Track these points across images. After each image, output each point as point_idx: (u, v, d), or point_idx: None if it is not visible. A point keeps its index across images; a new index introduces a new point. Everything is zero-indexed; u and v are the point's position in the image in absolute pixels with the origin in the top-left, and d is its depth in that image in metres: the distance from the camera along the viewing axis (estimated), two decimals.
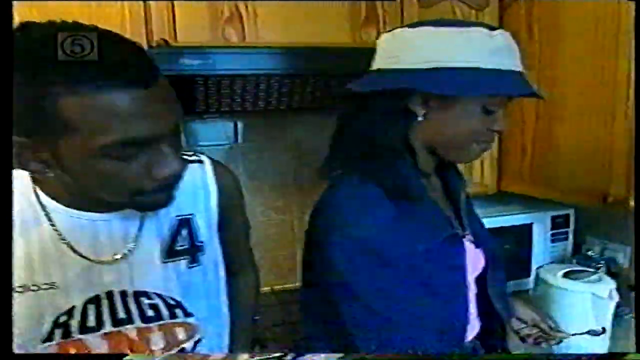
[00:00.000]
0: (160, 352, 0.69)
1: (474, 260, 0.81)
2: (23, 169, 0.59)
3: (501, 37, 0.71)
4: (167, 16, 1.12)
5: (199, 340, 0.74)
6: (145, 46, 1.05)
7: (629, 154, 1.03)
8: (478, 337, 0.85)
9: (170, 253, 0.71)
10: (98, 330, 0.66)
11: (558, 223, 1.51)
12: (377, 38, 1.24)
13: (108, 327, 0.67)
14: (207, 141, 1.47)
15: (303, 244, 1.46)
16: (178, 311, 0.71)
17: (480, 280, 0.84)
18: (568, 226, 1.52)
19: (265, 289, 1.51)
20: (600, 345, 1.07)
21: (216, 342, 0.79)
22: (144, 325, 0.69)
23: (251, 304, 0.94)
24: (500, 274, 0.88)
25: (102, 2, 1.08)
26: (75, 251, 0.64)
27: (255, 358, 0.59)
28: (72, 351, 0.64)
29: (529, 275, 1.48)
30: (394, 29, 0.76)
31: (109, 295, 0.67)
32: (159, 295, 0.70)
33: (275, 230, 1.59)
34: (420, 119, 0.74)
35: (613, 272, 1.34)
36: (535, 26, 1.27)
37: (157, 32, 1.12)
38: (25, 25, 0.52)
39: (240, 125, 1.52)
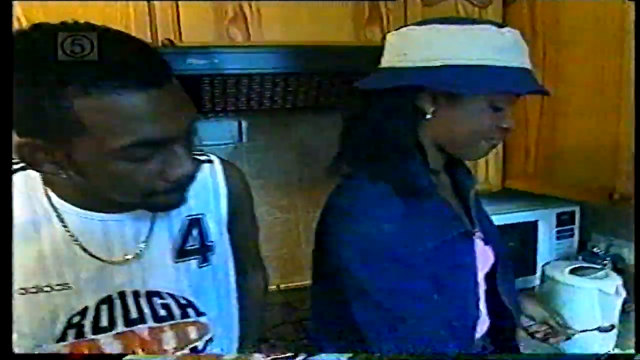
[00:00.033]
0: (172, 351, 0.69)
1: (484, 257, 0.81)
2: (36, 170, 0.59)
3: (509, 34, 0.71)
4: (171, 16, 1.12)
5: (210, 339, 0.74)
6: None
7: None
8: (488, 334, 0.85)
9: (181, 253, 0.71)
10: (111, 331, 0.66)
11: (563, 220, 1.51)
12: (381, 36, 1.26)
13: (120, 327, 0.67)
14: (212, 140, 1.47)
15: (308, 242, 1.46)
16: (190, 310, 0.71)
17: (489, 277, 0.84)
18: (573, 223, 1.52)
19: (271, 287, 1.51)
20: (608, 342, 1.07)
21: (226, 341, 0.79)
22: (156, 324, 0.69)
23: (260, 303, 0.95)
24: (509, 271, 0.88)
25: (107, 2, 1.08)
26: (87, 252, 0.64)
27: (268, 358, 0.59)
28: (85, 351, 0.64)
29: (534, 273, 1.48)
30: (401, 27, 0.76)
31: (121, 295, 0.67)
32: (171, 295, 0.70)
33: (280, 228, 1.59)
34: (428, 116, 0.74)
35: (619, 269, 1.34)
36: (538, 24, 1.27)
37: (162, 32, 1.12)
38: (39, 26, 0.52)
39: (244, 124, 1.52)
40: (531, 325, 0.93)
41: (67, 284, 0.63)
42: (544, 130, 1.30)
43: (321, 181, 1.58)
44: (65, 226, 0.64)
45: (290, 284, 1.60)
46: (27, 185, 0.64)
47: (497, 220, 1.37)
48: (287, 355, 0.61)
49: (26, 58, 0.50)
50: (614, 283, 1.11)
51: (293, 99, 1.33)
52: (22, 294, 0.62)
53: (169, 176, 0.57)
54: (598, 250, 1.42)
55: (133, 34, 0.57)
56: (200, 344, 0.72)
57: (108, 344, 0.66)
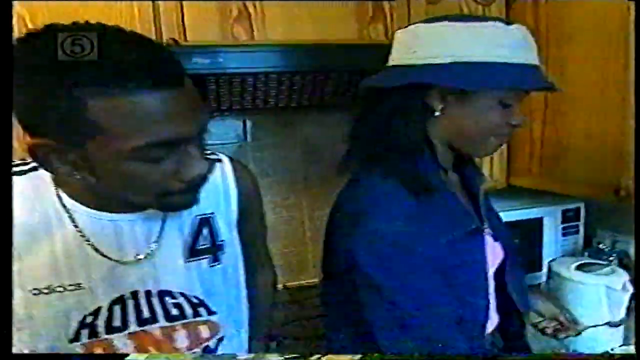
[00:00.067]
0: (184, 350, 0.69)
1: (493, 254, 0.82)
2: (50, 171, 0.59)
3: (518, 31, 0.72)
4: (176, 16, 1.12)
5: (221, 338, 0.74)
6: None
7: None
8: (497, 329, 0.86)
9: (192, 252, 0.71)
10: (124, 330, 0.66)
11: (569, 217, 1.51)
12: (385, 34, 1.26)
13: (133, 327, 0.67)
14: (217, 139, 1.47)
15: (314, 240, 1.46)
16: (201, 310, 0.71)
17: (498, 273, 0.84)
18: (579, 220, 1.52)
19: (278, 286, 1.52)
20: (617, 337, 1.08)
21: (236, 340, 0.79)
22: (168, 324, 0.69)
23: (269, 301, 0.95)
24: (518, 267, 0.88)
25: (111, 2, 1.08)
26: (99, 252, 0.65)
27: (281, 358, 0.60)
28: (99, 351, 0.64)
29: (540, 269, 1.48)
30: (410, 24, 0.77)
31: (134, 295, 0.67)
32: (183, 295, 0.70)
33: (285, 227, 1.59)
34: (437, 113, 0.75)
35: (625, 265, 1.34)
36: (542, 23, 1.27)
37: (167, 32, 1.12)
38: (51, 27, 0.52)
39: (249, 123, 1.52)
40: (541, 321, 0.93)
41: (79, 284, 0.63)
42: (549, 127, 1.30)
43: (327, 179, 1.59)
44: (76, 226, 0.64)
45: (297, 283, 1.60)
46: (38, 186, 0.64)
47: (503, 217, 1.38)
48: (302, 354, 0.61)
49: (40, 59, 0.50)
50: (620, 279, 1.12)
51: (298, 97, 1.33)
52: (36, 294, 0.62)
53: (183, 176, 0.57)
54: (604, 247, 1.42)
55: None
56: (212, 343, 0.73)
57: (121, 343, 0.66)
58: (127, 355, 0.65)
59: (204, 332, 0.72)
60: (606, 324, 1.01)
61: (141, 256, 0.67)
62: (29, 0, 1.02)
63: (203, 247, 0.72)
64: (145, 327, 0.68)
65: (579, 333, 0.93)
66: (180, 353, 0.69)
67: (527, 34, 0.73)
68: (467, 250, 0.77)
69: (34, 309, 0.62)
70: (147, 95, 0.51)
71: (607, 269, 1.16)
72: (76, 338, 0.64)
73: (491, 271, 0.81)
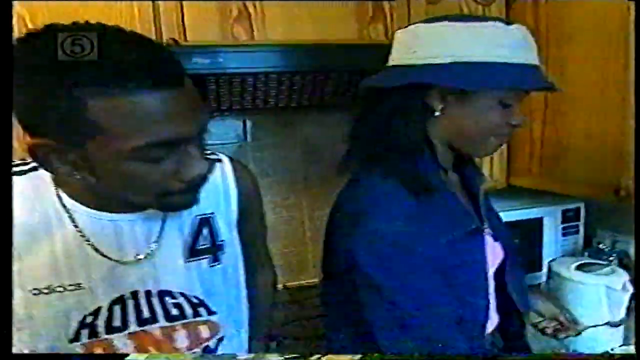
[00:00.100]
0: (184, 350, 0.69)
1: (494, 254, 0.82)
2: (50, 171, 0.59)
3: (518, 31, 0.72)
4: (176, 16, 1.12)
5: (221, 338, 0.74)
6: None
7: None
8: (497, 329, 0.86)
9: (192, 252, 0.71)
10: (124, 330, 0.66)
11: (568, 217, 1.51)
12: (385, 34, 1.26)
13: (133, 327, 0.67)
14: (216, 139, 1.47)
15: (314, 240, 1.46)
16: (201, 310, 0.71)
17: (498, 273, 0.84)
18: (579, 220, 1.52)
19: (278, 286, 1.52)
20: (616, 337, 1.08)
21: (236, 340, 0.79)
22: (168, 324, 0.69)
23: (269, 301, 0.95)
24: (518, 267, 0.88)
25: (111, 2, 1.08)
26: (99, 252, 0.65)
27: (282, 358, 0.60)
28: (99, 351, 0.64)
29: (540, 269, 1.48)
30: (410, 24, 0.77)
31: (134, 295, 0.67)
32: (183, 294, 0.70)
33: (285, 227, 1.59)
34: (437, 113, 0.75)
35: (625, 265, 1.34)
36: (542, 23, 1.27)
37: (167, 32, 1.12)
38: (51, 27, 0.52)
39: (249, 123, 1.52)
40: (541, 321, 0.93)
41: (79, 284, 0.63)
42: (549, 127, 1.30)
43: (327, 179, 1.59)
44: (76, 226, 0.64)
45: (296, 283, 1.60)
46: (38, 186, 0.64)
47: (503, 217, 1.38)
48: (302, 354, 0.61)
49: (40, 59, 0.50)
50: (620, 279, 1.12)
51: (298, 97, 1.33)
52: (36, 294, 0.62)
53: (184, 176, 0.57)
54: (604, 247, 1.42)
55: None
56: (212, 343, 0.73)
57: (121, 343, 0.66)
58: (127, 355, 0.65)
59: (204, 332, 0.72)
60: (606, 324, 1.01)
61: (141, 256, 0.67)
62: (29, 0, 1.02)
63: (203, 247, 0.72)
64: (145, 327, 0.68)
65: (579, 333, 0.93)
66: (181, 353, 0.69)
67: (527, 34, 0.73)
68: (467, 250, 0.77)
69: (34, 309, 0.62)
70: (147, 95, 0.51)
71: (607, 269, 1.16)
72: (76, 338, 0.64)
73: (491, 271, 0.81)
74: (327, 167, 1.55)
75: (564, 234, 1.51)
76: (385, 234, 0.70)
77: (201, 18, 1.14)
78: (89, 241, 0.64)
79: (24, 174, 0.65)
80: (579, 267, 1.16)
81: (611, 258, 1.33)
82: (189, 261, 0.71)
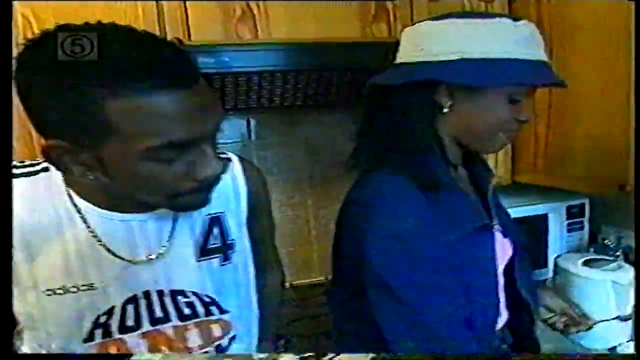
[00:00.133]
0: (197, 349, 0.70)
1: (503, 250, 0.82)
2: (64, 172, 0.59)
3: (525, 27, 0.72)
4: (180, 15, 1.13)
5: (233, 337, 0.74)
6: None
7: None
8: (506, 325, 0.86)
9: (203, 252, 0.71)
10: (137, 330, 0.66)
11: (573, 213, 1.51)
12: (388, 32, 1.26)
13: (146, 327, 0.67)
14: (221, 139, 1.46)
15: (319, 239, 1.46)
16: (213, 308, 0.72)
17: (507, 269, 0.84)
18: (583, 216, 1.52)
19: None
20: (625, 332, 1.08)
21: (246, 338, 0.79)
22: (181, 323, 0.69)
23: (277, 300, 0.95)
24: (527, 263, 0.89)
25: (115, 2, 1.08)
26: (111, 252, 0.65)
27: (297, 357, 0.60)
28: (113, 351, 0.64)
29: (545, 266, 1.48)
30: (412, 23, 0.77)
31: (146, 294, 0.67)
32: (195, 294, 0.70)
33: (291, 226, 1.59)
34: (446, 110, 0.75)
35: (631, 260, 1.34)
36: (545, 20, 1.27)
37: (171, 32, 1.12)
38: (64, 28, 0.52)
39: (253, 122, 1.52)
40: (551, 316, 0.93)
41: (92, 284, 0.64)
42: (553, 123, 1.30)
43: (332, 178, 1.59)
44: (88, 227, 0.64)
45: (302, 281, 1.60)
46: (49, 187, 0.64)
47: None
48: (315, 354, 0.61)
49: (54, 60, 0.49)
50: (627, 274, 1.12)
51: (303, 96, 1.33)
52: (49, 295, 0.62)
53: (198, 176, 0.57)
54: (609, 242, 1.42)
55: None
56: (224, 342, 0.73)
57: (135, 343, 0.66)
58: (130, 355, 0.66)
59: (216, 330, 0.72)
60: (616, 318, 1.01)
61: (153, 256, 0.67)
62: (31, 0, 1.02)
63: (214, 246, 0.72)
64: (158, 327, 0.68)
65: (590, 328, 0.93)
66: (194, 353, 0.69)
67: (535, 30, 0.73)
68: (476, 246, 0.77)
69: (48, 309, 0.62)
70: (162, 95, 0.51)
71: (614, 264, 1.16)
72: (90, 338, 0.64)
73: (501, 267, 0.81)
74: (332, 166, 1.55)
75: (569, 230, 1.51)
76: (394, 231, 0.70)
77: (205, 18, 1.14)
78: (100, 241, 0.64)
79: (35, 174, 0.65)
80: (585, 263, 1.16)
81: (617, 254, 1.33)
82: (200, 260, 0.71)
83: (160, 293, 0.68)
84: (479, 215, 0.79)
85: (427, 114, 0.75)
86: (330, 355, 0.61)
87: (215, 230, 0.73)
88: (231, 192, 0.75)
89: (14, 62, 0.51)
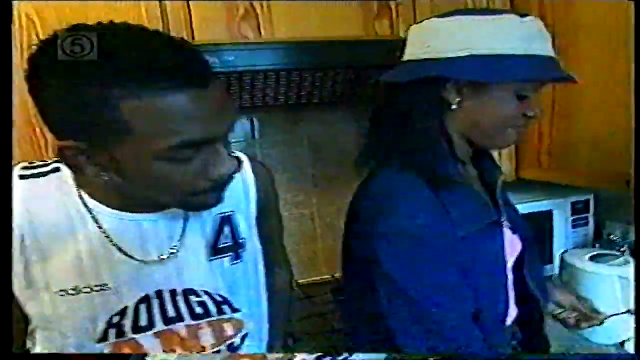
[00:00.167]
0: (210, 348, 0.70)
1: (512, 246, 0.82)
2: (79, 173, 0.59)
3: (532, 23, 0.72)
4: (183, 15, 1.12)
5: (245, 335, 0.74)
6: None
7: None
8: (516, 321, 0.86)
9: (214, 251, 0.71)
10: (150, 330, 0.66)
11: (578, 209, 1.51)
12: (391, 30, 1.26)
13: (160, 326, 0.67)
14: None
15: (324, 238, 1.45)
16: (225, 307, 0.72)
17: (517, 265, 0.84)
18: (588, 212, 1.52)
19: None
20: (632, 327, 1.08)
21: (257, 337, 0.79)
22: (193, 322, 0.69)
23: (287, 298, 0.95)
24: (536, 260, 0.89)
25: (119, 2, 1.08)
26: (123, 252, 0.65)
27: (312, 357, 0.60)
28: (127, 351, 0.64)
29: (551, 262, 1.48)
30: (420, 20, 0.77)
31: (159, 294, 0.67)
32: (207, 293, 0.70)
33: (295, 224, 1.60)
34: (454, 107, 0.75)
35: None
36: (548, 17, 1.26)
37: (174, 32, 1.12)
38: (77, 27, 0.52)
39: (256, 121, 1.52)
40: (562, 312, 0.93)
41: (105, 284, 0.64)
42: (557, 119, 1.30)
43: (336, 176, 1.59)
44: (100, 227, 0.64)
45: (308, 280, 1.60)
46: (60, 188, 0.64)
47: None
48: (329, 353, 0.61)
49: (69, 61, 0.49)
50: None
51: (308, 94, 1.33)
52: (63, 295, 0.62)
53: (212, 175, 0.58)
54: (615, 238, 1.43)
55: None
56: (237, 341, 0.73)
57: (148, 343, 0.66)
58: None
59: (229, 329, 0.72)
60: (627, 312, 1.01)
61: (165, 256, 0.67)
62: (32, 0, 1.02)
63: (225, 245, 0.72)
64: (171, 326, 0.68)
65: (602, 322, 0.93)
66: (207, 353, 0.69)
67: (542, 25, 0.73)
68: (486, 243, 0.77)
69: (62, 310, 0.62)
70: (179, 95, 0.51)
71: (621, 259, 1.16)
72: (104, 338, 0.64)
73: (510, 264, 0.81)
74: (336, 163, 1.55)
75: (574, 226, 1.51)
76: (404, 229, 0.70)
77: (208, 17, 1.14)
78: (113, 242, 0.64)
79: (45, 175, 0.65)
80: (592, 259, 1.16)
81: (623, 249, 1.33)
82: (211, 260, 0.71)
83: (173, 293, 0.68)
84: (488, 211, 0.79)
85: (435, 111, 0.75)
86: (345, 355, 0.61)
87: (226, 230, 0.73)
88: (241, 192, 0.75)
89: (27, 63, 0.52)
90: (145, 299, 0.66)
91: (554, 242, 1.50)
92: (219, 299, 0.71)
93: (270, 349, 0.84)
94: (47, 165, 0.66)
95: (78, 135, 0.53)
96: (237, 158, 0.75)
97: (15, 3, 1.00)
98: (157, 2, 1.10)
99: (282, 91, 1.28)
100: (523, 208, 1.45)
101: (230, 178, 0.61)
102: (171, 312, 0.68)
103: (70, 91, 0.50)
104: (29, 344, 0.67)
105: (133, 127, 0.51)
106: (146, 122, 0.51)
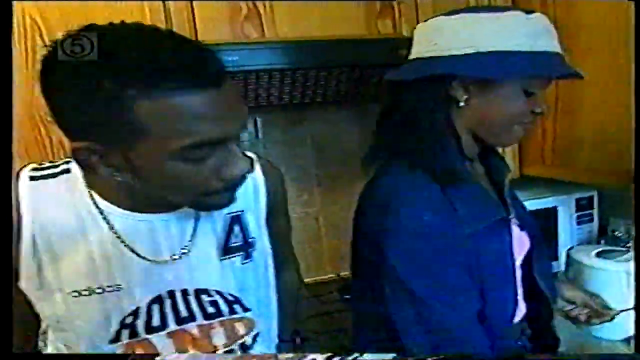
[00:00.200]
0: (222, 347, 0.70)
1: (520, 243, 0.82)
2: (92, 173, 0.59)
3: (537, 19, 0.72)
4: (186, 15, 1.12)
5: (257, 334, 0.74)
6: None
7: None
8: (525, 318, 0.86)
9: (225, 250, 0.71)
10: (163, 330, 0.66)
11: (582, 205, 1.50)
12: (393, 29, 1.26)
13: (172, 326, 0.67)
14: None
15: (328, 237, 1.45)
16: (237, 307, 0.72)
17: (525, 262, 0.84)
18: (592, 208, 1.52)
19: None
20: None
21: (267, 336, 0.79)
22: (205, 322, 0.69)
23: (295, 297, 0.95)
24: (544, 256, 0.89)
25: (122, 2, 1.07)
26: (135, 252, 0.65)
27: (323, 356, 0.59)
28: (140, 351, 0.64)
29: (556, 258, 1.48)
30: (429, 18, 0.77)
31: (171, 294, 0.67)
32: (218, 292, 0.70)
33: (300, 223, 1.59)
34: (461, 104, 0.75)
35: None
36: (550, 14, 1.26)
37: (177, 31, 1.11)
38: (89, 27, 0.51)
39: (259, 120, 1.52)
40: (572, 308, 0.93)
41: (118, 285, 0.64)
42: (561, 115, 1.30)
43: (340, 175, 1.59)
44: (111, 228, 0.64)
45: (312, 279, 1.60)
46: (70, 188, 0.64)
47: None
48: (339, 353, 0.61)
49: (82, 62, 0.49)
50: None
51: (312, 93, 1.33)
52: (75, 296, 0.62)
53: (225, 175, 0.57)
54: (619, 234, 1.43)
55: None
56: (248, 340, 0.73)
57: (161, 343, 0.66)
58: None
59: (240, 329, 0.72)
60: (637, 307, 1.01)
61: (176, 255, 0.67)
62: (34, 0, 1.02)
63: (235, 244, 0.72)
64: (184, 326, 0.68)
65: (613, 318, 0.93)
66: (219, 353, 0.69)
67: (547, 22, 0.73)
68: (494, 240, 0.77)
69: (75, 310, 0.62)
70: (194, 94, 0.51)
71: (627, 255, 1.16)
72: (117, 338, 0.64)
73: (518, 260, 0.82)
74: (340, 162, 1.55)
75: (578, 223, 1.51)
76: (412, 226, 0.71)
77: (212, 17, 1.14)
78: (124, 242, 0.64)
79: (55, 176, 0.65)
80: (598, 255, 1.17)
81: (628, 245, 1.33)
82: (222, 259, 0.71)
83: (185, 292, 0.68)
84: (496, 208, 0.79)
85: (442, 108, 0.75)
86: (355, 354, 0.61)
87: (236, 229, 0.73)
88: (251, 191, 0.75)
89: (39, 64, 0.51)
90: (158, 299, 0.66)
91: (559, 238, 1.49)
92: (230, 298, 0.71)
93: (279, 348, 0.84)
94: (56, 166, 0.66)
95: (91, 135, 0.52)
96: (250, 158, 0.76)
97: (15, 3, 1.00)
98: (161, 2, 1.10)
99: (285, 90, 1.28)
100: (527, 205, 1.43)
101: (242, 178, 0.61)
102: (183, 312, 0.68)
103: (84, 92, 0.50)
104: (40, 344, 0.67)
105: (147, 127, 0.51)
106: (160, 122, 0.51)
